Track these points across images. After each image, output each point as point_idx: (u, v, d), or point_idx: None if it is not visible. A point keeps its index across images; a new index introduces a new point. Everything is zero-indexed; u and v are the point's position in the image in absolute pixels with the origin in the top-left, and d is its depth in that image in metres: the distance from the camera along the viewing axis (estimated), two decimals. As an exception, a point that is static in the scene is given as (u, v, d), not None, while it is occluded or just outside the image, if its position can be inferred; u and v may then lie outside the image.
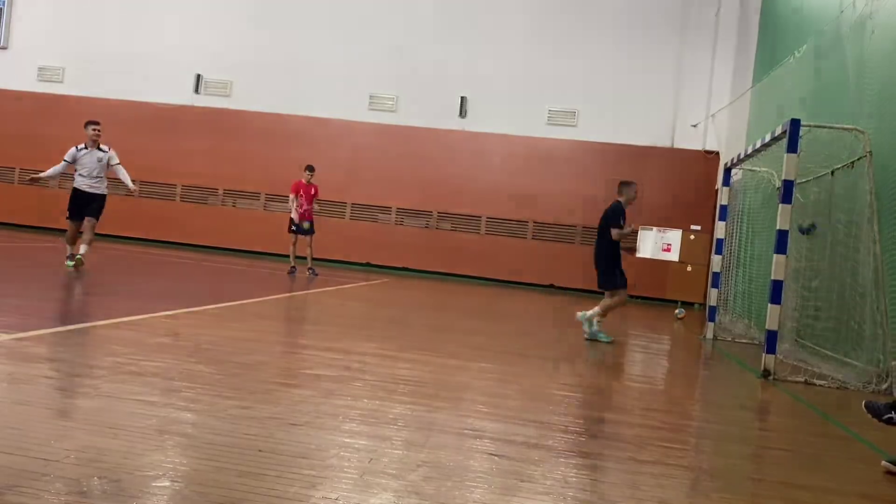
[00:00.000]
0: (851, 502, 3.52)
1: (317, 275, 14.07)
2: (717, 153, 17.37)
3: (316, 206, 14.64)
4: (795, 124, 7.21)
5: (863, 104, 7.91)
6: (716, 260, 11.05)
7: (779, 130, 7.68)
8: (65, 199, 11.16)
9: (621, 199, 8.99)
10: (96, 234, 10.97)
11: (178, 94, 19.91)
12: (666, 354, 9.22)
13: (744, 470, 4.00)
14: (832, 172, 8.18)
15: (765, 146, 8.49)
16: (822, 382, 7.01)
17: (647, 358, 8.63)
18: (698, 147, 17.93)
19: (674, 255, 17.91)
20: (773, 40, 13.67)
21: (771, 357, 7.12)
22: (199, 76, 19.91)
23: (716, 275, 11.01)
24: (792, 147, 7.18)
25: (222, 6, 19.99)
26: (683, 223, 17.90)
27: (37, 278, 9.80)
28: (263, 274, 14.42)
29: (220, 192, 19.71)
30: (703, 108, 17.76)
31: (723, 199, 11.19)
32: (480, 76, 18.75)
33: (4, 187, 19.84)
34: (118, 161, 10.94)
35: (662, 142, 18.18)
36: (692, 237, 17.83)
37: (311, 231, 14.25)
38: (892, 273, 6.91)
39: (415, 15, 19.17)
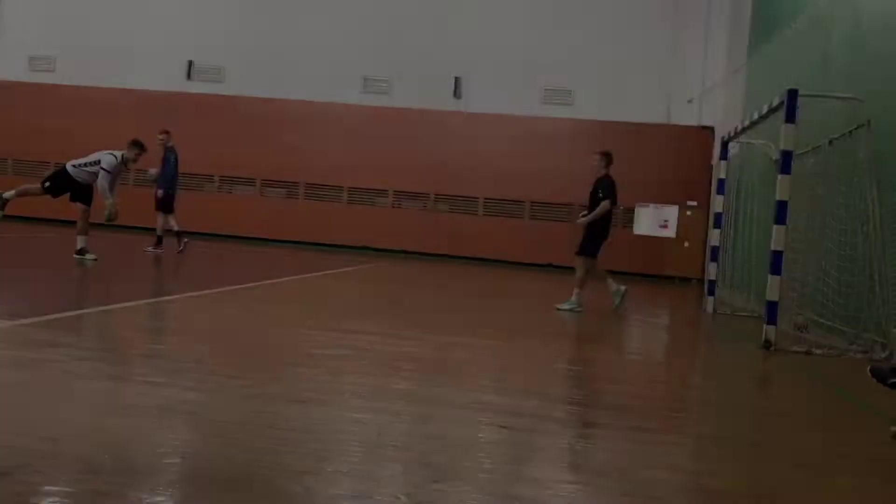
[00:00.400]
0: (857, 465, 3.54)
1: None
2: (713, 128, 17.35)
3: None
4: (793, 94, 7.19)
5: (860, 73, 7.88)
6: (714, 234, 11.06)
7: (776, 101, 7.66)
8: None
9: (609, 173, 9.07)
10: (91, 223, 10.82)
11: (171, 81, 19.80)
12: (666, 329, 9.26)
13: (749, 436, 4.02)
14: (830, 142, 8.17)
15: (762, 118, 8.47)
16: (823, 352, 7.04)
17: (649, 332, 8.66)
18: (694, 123, 17.90)
19: (671, 232, 17.94)
20: (768, 12, 13.61)
21: (772, 328, 7.14)
22: (190, 62, 19.80)
23: (714, 249, 11.03)
24: (790, 117, 7.16)
25: (212, -9, 19.84)
26: (680, 199, 17.91)
27: (37, 267, 9.78)
28: (261, 258, 14.41)
29: (216, 178, 19.65)
30: (698, 83, 17.72)
31: (720, 173, 11.19)
32: (474, 56, 18.66)
33: (-1, 179, 19.78)
34: (106, 168, 10.37)
35: (658, 118, 18.14)
36: (689, 213, 17.85)
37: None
38: (891, 241, 6.92)
39: (407, -5, 19.04)
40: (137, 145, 10.56)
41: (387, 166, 18.88)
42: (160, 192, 12.91)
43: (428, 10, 18.91)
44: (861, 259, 7.30)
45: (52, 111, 19.71)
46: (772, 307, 7.18)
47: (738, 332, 8.65)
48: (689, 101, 17.79)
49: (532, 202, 18.42)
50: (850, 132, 7.69)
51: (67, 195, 10.49)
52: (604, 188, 9.05)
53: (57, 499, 2.37)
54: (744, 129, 9.66)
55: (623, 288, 9.14)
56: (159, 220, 12.99)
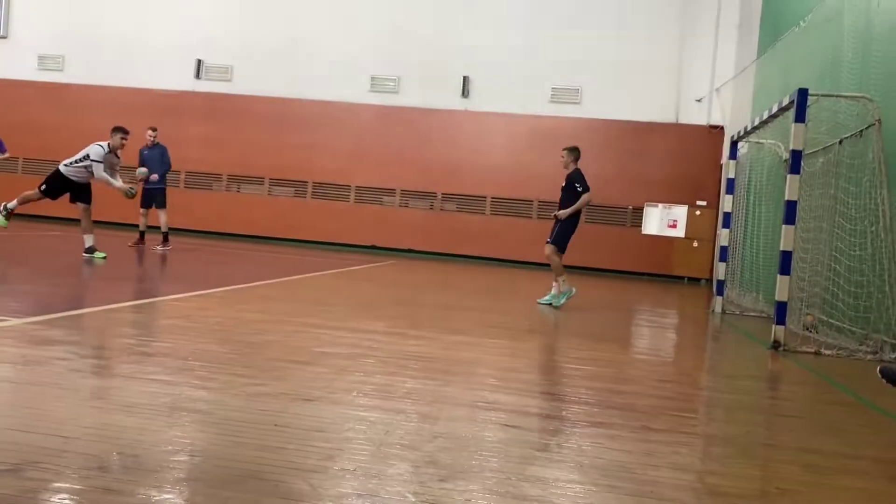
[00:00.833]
0: (864, 466, 3.52)
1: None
2: (722, 127, 17.28)
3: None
4: (803, 94, 7.17)
5: (870, 72, 7.84)
6: (723, 234, 11.03)
7: (786, 101, 7.62)
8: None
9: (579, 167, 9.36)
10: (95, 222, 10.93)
11: (179, 80, 19.86)
12: (675, 328, 9.23)
13: (757, 437, 4.01)
14: (840, 142, 8.13)
15: (772, 117, 8.44)
16: (832, 352, 7.01)
17: (657, 332, 8.64)
18: (703, 122, 17.83)
19: (680, 232, 17.88)
20: (777, 11, 13.55)
21: (781, 328, 7.12)
22: (199, 61, 19.85)
23: (723, 249, 10.99)
24: (800, 117, 7.13)
25: (221, -10, 19.89)
26: (689, 199, 17.85)
27: (45, 265, 9.83)
28: (269, 257, 14.44)
29: (224, 177, 19.70)
30: (707, 82, 17.65)
31: (729, 172, 11.15)
32: (483, 55, 18.64)
33: (7, 177, 19.85)
34: (97, 159, 10.46)
35: (666, 117, 18.09)
36: (698, 213, 17.78)
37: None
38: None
39: (415, -5, 19.04)
40: (120, 130, 10.61)
41: (394, 165, 18.89)
42: (152, 189, 12.96)
43: (436, 9, 18.90)
44: (871, 259, 7.26)
45: (61, 110, 19.81)
46: (781, 307, 7.16)
47: (747, 332, 8.61)
48: (698, 101, 17.72)
49: (540, 201, 18.38)
50: (861, 132, 7.65)
51: (68, 197, 10.57)
52: (580, 181, 9.13)
53: (66, 495, 2.38)
54: (753, 129, 9.62)
55: (574, 290, 9.42)
56: (162, 218, 13.11)
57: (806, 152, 7.56)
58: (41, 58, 20.54)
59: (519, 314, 8.67)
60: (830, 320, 7.91)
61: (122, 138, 10.59)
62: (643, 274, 17.87)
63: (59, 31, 20.40)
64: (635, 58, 18.04)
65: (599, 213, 17.82)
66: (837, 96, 7.86)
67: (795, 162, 7.13)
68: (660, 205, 17.96)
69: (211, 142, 19.58)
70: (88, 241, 10.43)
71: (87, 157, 10.38)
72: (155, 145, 13.10)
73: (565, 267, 9.48)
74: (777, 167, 10.67)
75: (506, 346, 6.15)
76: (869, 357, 6.84)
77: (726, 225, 11.04)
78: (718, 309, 10.51)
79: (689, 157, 17.79)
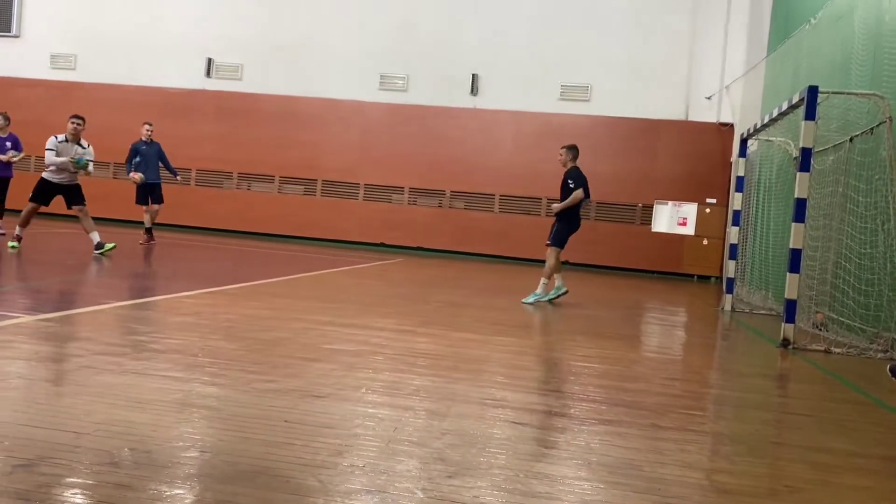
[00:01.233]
0: (874, 465, 3.52)
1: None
2: (732, 125, 17.22)
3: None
4: (813, 91, 7.14)
5: (881, 70, 7.80)
6: (733, 231, 11.00)
7: (796, 98, 7.60)
8: (86, 185, 11.30)
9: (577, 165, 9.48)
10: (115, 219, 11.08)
11: (190, 79, 19.94)
12: (683, 326, 9.21)
13: (765, 435, 4.01)
14: (851, 139, 8.09)
15: (782, 115, 8.41)
16: (842, 351, 6.99)
17: (666, 329, 8.63)
18: (713, 119, 17.77)
19: (690, 229, 17.83)
20: (787, 8, 13.48)
21: (790, 326, 7.10)
22: (209, 60, 19.92)
23: (733, 246, 10.96)
24: (810, 114, 7.11)
25: (231, -11, 19.95)
26: (699, 196, 17.80)
27: (57, 263, 9.90)
28: (278, 255, 14.49)
29: (235, 175, 19.78)
30: (717, 79, 17.58)
31: (739, 170, 11.12)
32: (492, 53, 18.63)
33: (22, 175, 19.98)
34: (93, 159, 10.73)
35: (676, 115, 18.03)
36: (708, 210, 17.73)
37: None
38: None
39: (424, -8, 19.05)
40: (75, 117, 10.71)
41: (403, 163, 18.91)
42: (151, 184, 13.16)
43: (445, 6, 18.90)
44: (881, 257, 7.23)
45: (73, 109, 19.84)
46: (790, 305, 7.14)
47: (757, 330, 8.59)
48: (708, 98, 17.66)
49: (549, 199, 18.34)
50: (871, 129, 7.62)
51: (65, 203, 10.73)
52: (574, 178, 9.24)
53: (78, 491, 2.41)
54: (763, 126, 9.59)
55: (566, 289, 9.50)
56: (155, 210, 13.28)
57: (816, 150, 7.53)
58: (53, 57, 20.67)
59: (527, 312, 8.68)
60: (840, 318, 7.89)
61: (73, 123, 10.65)
62: (652, 272, 17.83)
63: (71, 31, 20.52)
64: (645, 55, 18.00)
65: (609, 211, 17.80)
66: (848, 94, 7.82)
67: (805, 160, 7.11)
68: (669, 202, 17.91)
69: (221, 140, 19.66)
70: (95, 237, 10.57)
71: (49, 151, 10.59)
72: (152, 142, 13.24)
73: (569, 264, 9.54)
74: (787, 165, 10.63)
75: (514, 343, 6.16)
76: (879, 355, 6.82)
77: (736, 223, 11.01)
78: (728, 307, 10.49)
79: (699, 155, 17.73)
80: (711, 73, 17.66)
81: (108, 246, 10.47)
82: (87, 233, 10.66)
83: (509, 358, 5.52)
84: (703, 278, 17.69)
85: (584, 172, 9.45)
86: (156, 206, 13.27)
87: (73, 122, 10.71)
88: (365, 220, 19.05)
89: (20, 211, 10.76)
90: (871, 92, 7.55)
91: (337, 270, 11.96)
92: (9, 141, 13.11)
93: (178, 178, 13.86)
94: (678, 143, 17.86)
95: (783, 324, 7.17)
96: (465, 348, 5.70)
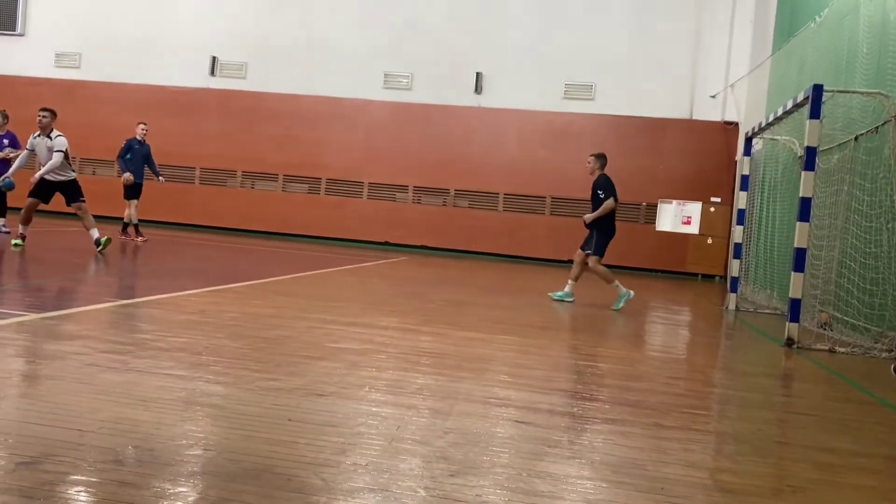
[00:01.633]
0: (877, 464, 3.51)
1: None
2: (737, 124, 17.18)
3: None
4: (818, 90, 7.12)
5: (886, 68, 7.77)
6: (738, 230, 10.98)
7: (801, 97, 7.58)
8: (83, 182, 11.35)
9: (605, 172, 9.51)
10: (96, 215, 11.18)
11: (195, 77, 19.98)
12: (687, 325, 9.20)
13: (769, 434, 4.00)
14: (855, 138, 8.07)
15: (787, 113, 8.39)
16: (846, 350, 6.97)
17: (670, 329, 8.61)
18: (717, 118, 17.74)
19: (694, 228, 17.80)
20: (792, 6, 13.45)
21: (795, 325, 7.09)
22: (214, 58, 19.95)
23: (737, 245, 10.94)
24: (814, 113, 7.09)
25: (235, -13, 19.97)
26: (703, 195, 17.77)
27: (60, 261, 9.93)
28: (282, 253, 14.51)
29: (239, 174, 19.80)
30: (721, 78, 17.55)
31: (744, 169, 11.09)
32: (496, 52, 18.63)
33: (26, 173, 20.03)
34: (61, 149, 10.44)
35: (681, 113, 18.00)
36: (712, 209, 17.70)
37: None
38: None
39: (428, -9, 19.04)
40: (42, 110, 10.66)
41: (407, 162, 18.92)
42: (136, 180, 13.47)
43: (449, 5, 18.90)
44: (886, 256, 7.21)
45: (78, 107, 19.95)
46: (795, 305, 7.12)
47: (761, 329, 8.58)
48: (713, 97, 17.63)
49: (553, 198, 18.36)
50: (876, 128, 7.59)
51: (65, 202, 10.80)
52: (603, 187, 9.24)
53: (82, 488, 2.41)
54: (768, 125, 9.57)
55: (631, 292, 9.40)
56: (131, 210, 13.54)
57: (821, 149, 7.51)
58: (58, 55, 20.72)
59: (531, 311, 8.68)
60: (845, 318, 7.87)
61: (39, 115, 10.55)
62: (657, 270, 17.81)
63: (75, 29, 20.57)
64: (649, 54, 17.97)
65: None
66: (853, 92, 7.80)
67: (810, 158, 7.09)
68: (674, 201, 17.89)
69: (226, 138, 19.69)
70: (95, 234, 10.62)
71: (52, 148, 10.62)
72: (144, 142, 13.57)
73: (572, 262, 9.56)
74: (791, 164, 10.60)
75: (517, 342, 6.16)
76: (884, 355, 6.80)
77: (740, 221, 10.99)
78: (732, 306, 10.47)
79: (704, 154, 17.70)
80: (716, 71, 17.62)
81: (103, 240, 10.51)
82: (87, 230, 10.68)
83: (513, 357, 5.52)
84: (708, 277, 17.67)
85: (609, 177, 9.45)
86: (135, 202, 13.58)
87: (38, 115, 10.67)
88: (369, 218, 19.07)
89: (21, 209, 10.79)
90: (876, 90, 7.52)
91: (341, 269, 11.97)
92: (6, 138, 13.11)
93: (162, 180, 13.94)
94: (683, 142, 17.83)
95: (787, 323, 7.15)
96: (469, 347, 5.69)
